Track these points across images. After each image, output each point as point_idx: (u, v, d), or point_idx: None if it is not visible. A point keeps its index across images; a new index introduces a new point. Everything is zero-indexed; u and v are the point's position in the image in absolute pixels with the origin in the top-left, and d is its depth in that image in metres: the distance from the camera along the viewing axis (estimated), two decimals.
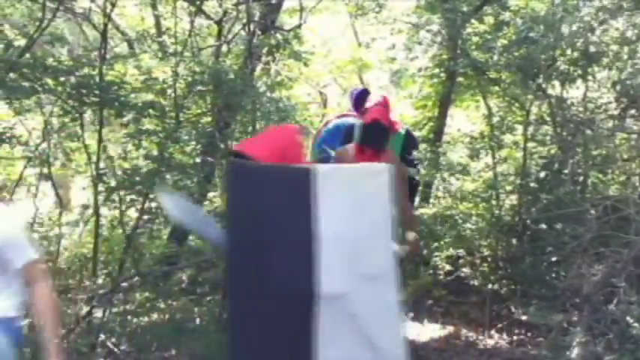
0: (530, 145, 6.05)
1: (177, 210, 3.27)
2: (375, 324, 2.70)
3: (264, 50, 5.67)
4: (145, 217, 5.04)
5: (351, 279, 2.68)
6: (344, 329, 2.68)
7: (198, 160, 5.27)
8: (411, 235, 3.93)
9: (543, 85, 5.68)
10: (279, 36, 5.71)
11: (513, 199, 6.20)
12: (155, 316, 4.75)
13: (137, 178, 4.79)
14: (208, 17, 5.84)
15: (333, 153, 4.38)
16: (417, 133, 5.93)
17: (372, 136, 3.79)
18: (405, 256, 3.90)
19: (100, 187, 4.94)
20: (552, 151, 5.91)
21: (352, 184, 2.79)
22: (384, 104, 4.08)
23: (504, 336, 5.02)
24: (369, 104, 4.23)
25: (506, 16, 5.94)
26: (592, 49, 5.40)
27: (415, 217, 4.45)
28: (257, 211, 2.73)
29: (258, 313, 2.69)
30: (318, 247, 2.66)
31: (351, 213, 2.72)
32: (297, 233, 2.70)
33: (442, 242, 5.92)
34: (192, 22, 5.64)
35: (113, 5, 5.17)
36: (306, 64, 6.04)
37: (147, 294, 4.89)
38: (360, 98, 4.43)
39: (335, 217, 2.70)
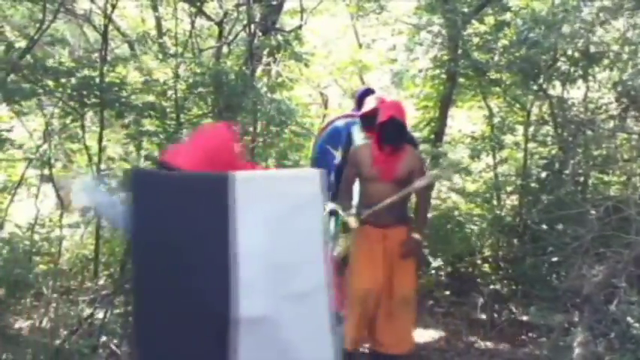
0: (530, 145, 6.05)
1: (93, 197, 2.91)
2: (303, 348, 2.41)
3: (265, 51, 5.68)
4: None
5: (275, 299, 2.37)
6: (267, 356, 2.39)
7: None
8: (416, 236, 3.94)
9: (544, 86, 5.68)
10: (279, 37, 5.72)
11: (514, 199, 6.20)
12: None
13: None
14: (209, 18, 5.84)
15: (336, 153, 4.39)
16: (417, 134, 5.93)
17: (390, 133, 3.78)
18: (406, 254, 3.90)
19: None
20: (553, 152, 5.90)
21: (278, 192, 2.48)
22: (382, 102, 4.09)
23: (505, 336, 5.01)
24: (366, 107, 4.24)
25: (507, 16, 5.94)
26: (593, 49, 5.40)
27: (426, 219, 4.44)
28: (165, 225, 2.43)
29: (170, 342, 2.39)
30: (235, 264, 2.34)
31: (277, 224, 2.42)
32: (210, 249, 2.38)
33: (448, 244, 5.91)
34: (192, 23, 5.64)
35: (114, 7, 5.17)
36: (306, 65, 6.04)
37: None
38: (362, 98, 4.44)
39: (256, 229, 2.38)
